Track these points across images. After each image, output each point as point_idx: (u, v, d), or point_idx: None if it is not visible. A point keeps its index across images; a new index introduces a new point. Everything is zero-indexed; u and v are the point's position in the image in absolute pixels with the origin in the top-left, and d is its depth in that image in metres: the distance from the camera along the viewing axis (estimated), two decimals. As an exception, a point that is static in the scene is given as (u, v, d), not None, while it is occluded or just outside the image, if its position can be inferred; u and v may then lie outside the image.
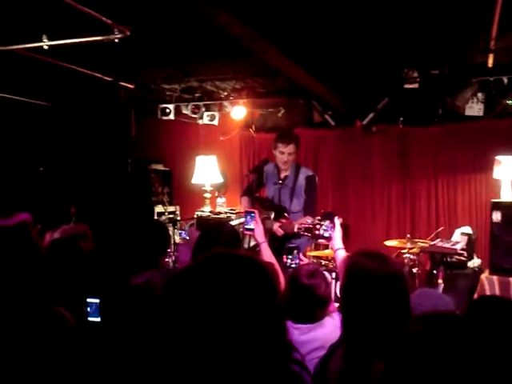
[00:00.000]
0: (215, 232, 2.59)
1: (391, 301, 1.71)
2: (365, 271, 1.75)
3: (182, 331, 0.84)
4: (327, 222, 2.94)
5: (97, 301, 1.87)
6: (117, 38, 3.52)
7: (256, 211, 3.25)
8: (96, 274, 2.21)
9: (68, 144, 6.59)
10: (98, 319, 1.86)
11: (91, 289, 2.00)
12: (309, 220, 3.67)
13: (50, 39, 3.72)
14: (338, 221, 2.96)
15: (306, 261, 3.15)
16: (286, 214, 4.03)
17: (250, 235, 3.08)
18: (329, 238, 2.94)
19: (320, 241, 3.37)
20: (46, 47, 3.74)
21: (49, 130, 6.45)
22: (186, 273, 0.91)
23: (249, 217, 3.09)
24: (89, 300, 1.89)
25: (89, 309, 1.89)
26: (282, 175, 4.45)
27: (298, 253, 3.03)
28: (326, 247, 5.16)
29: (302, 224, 3.60)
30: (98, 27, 3.51)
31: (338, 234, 2.90)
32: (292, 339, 2.14)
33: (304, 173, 4.41)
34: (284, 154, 4.37)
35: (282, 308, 0.91)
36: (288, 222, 3.84)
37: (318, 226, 2.97)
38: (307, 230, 3.34)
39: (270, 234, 4.19)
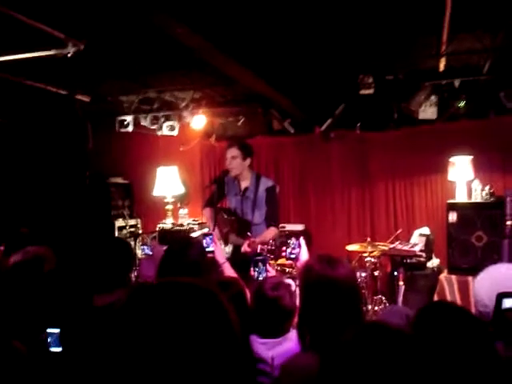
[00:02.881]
0: (182, 249, 2.56)
1: (342, 304, 1.78)
2: (316, 276, 1.81)
3: (134, 361, 0.83)
4: (293, 240, 2.97)
5: (57, 331, 1.81)
6: (71, 52, 3.46)
7: (214, 233, 3.26)
8: (55, 298, 2.14)
9: (22, 160, 6.42)
10: (60, 349, 1.80)
11: (51, 316, 1.94)
12: (271, 241, 3.70)
13: (0, 54, 3.63)
14: (303, 241, 3.00)
15: (272, 272, 3.16)
16: (249, 234, 4.03)
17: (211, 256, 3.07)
18: (295, 259, 2.97)
19: (287, 262, 3.40)
20: (-4, 63, 3.65)
21: (1, 145, 6.27)
22: (129, 307, 0.89)
23: (208, 239, 3.10)
24: (49, 330, 1.83)
25: (49, 339, 1.83)
26: (243, 186, 4.44)
27: (265, 265, 3.03)
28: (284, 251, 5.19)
29: (265, 245, 3.63)
30: (51, 41, 3.45)
31: (304, 254, 2.94)
32: (259, 354, 2.17)
33: (264, 184, 4.39)
34: (228, 158, 4.36)
35: (234, 331, 0.89)
36: (251, 242, 3.84)
37: (284, 248, 3.01)
38: (270, 251, 3.39)
39: (234, 248, 4.20)
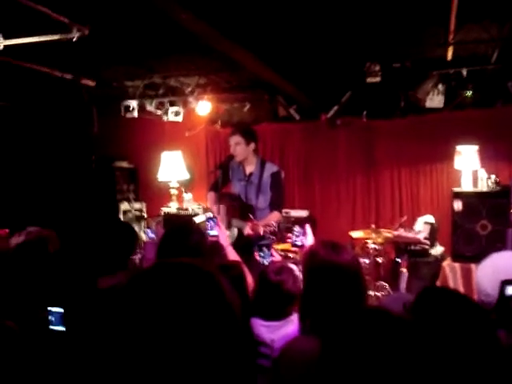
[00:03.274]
0: (181, 233, 2.57)
1: (345, 289, 1.80)
2: (321, 260, 1.83)
3: (135, 342, 0.83)
4: (297, 228, 2.97)
5: (60, 310, 1.83)
6: (75, 36, 3.46)
7: (218, 216, 3.26)
8: (59, 279, 2.16)
9: (29, 144, 6.44)
10: (62, 328, 1.83)
11: (54, 296, 1.96)
12: (274, 223, 3.71)
13: (5, 38, 3.63)
14: (309, 228, 3.00)
15: (277, 257, 3.18)
16: (251, 216, 4.03)
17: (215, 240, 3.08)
18: (301, 247, 2.97)
19: (293, 248, 3.42)
20: (1, 47, 3.64)
21: (7, 130, 6.29)
22: (131, 287, 0.90)
23: (211, 222, 3.10)
24: (51, 309, 1.84)
25: (52, 318, 1.84)
26: (247, 171, 4.44)
27: (269, 249, 3.04)
28: (289, 238, 5.20)
29: (267, 226, 3.64)
30: (56, 26, 3.44)
31: (309, 241, 2.94)
32: (262, 337, 2.20)
33: (269, 169, 4.39)
34: (231, 145, 4.37)
35: (234, 313, 0.90)
36: (254, 225, 3.85)
37: (289, 235, 3.02)
38: (272, 233, 3.40)
39: (238, 233, 4.21)
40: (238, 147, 4.34)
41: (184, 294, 0.87)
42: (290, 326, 2.21)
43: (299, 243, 2.95)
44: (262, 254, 2.96)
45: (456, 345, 1.37)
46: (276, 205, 4.30)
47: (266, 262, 2.96)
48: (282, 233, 3.57)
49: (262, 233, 3.72)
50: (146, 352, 0.82)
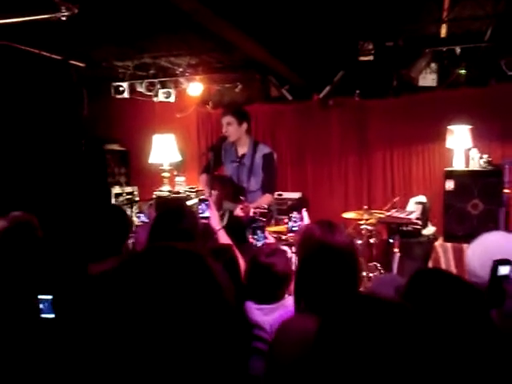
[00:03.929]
0: (173, 216, 2.55)
1: (341, 270, 1.80)
2: (316, 240, 1.83)
3: (126, 327, 0.83)
4: (295, 214, 2.96)
5: (49, 297, 1.81)
6: (64, 15, 3.39)
7: (210, 199, 3.24)
8: (48, 266, 2.14)
9: (17, 126, 6.35)
10: (52, 316, 1.81)
11: (43, 283, 1.94)
12: (265, 205, 3.70)
13: (-8, 18, 3.56)
14: (305, 213, 2.98)
15: (271, 239, 3.17)
16: (242, 198, 4.01)
17: (206, 223, 3.06)
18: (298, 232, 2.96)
19: (289, 234, 3.40)
20: (-12, 26, 3.57)
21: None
22: (124, 270, 0.89)
23: (204, 205, 3.09)
24: (40, 297, 1.83)
25: (41, 305, 1.83)
26: (240, 153, 4.41)
27: (263, 232, 3.03)
28: (282, 222, 5.21)
29: (258, 208, 3.63)
30: (44, 5, 3.37)
31: None
32: (255, 320, 2.20)
33: (261, 151, 4.36)
34: (223, 125, 4.34)
35: (226, 296, 0.89)
36: (245, 206, 3.84)
37: (286, 220, 3.00)
38: (262, 214, 3.38)
39: (229, 216, 4.20)
40: (230, 127, 4.31)
41: (175, 278, 0.86)
42: (285, 308, 2.21)
43: (296, 229, 2.94)
44: (255, 236, 2.95)
45: (450, 326, 1.37)
46: (267, 187, 4.28)
47: (259, 245, 2.95)
48: (272, 215, 3.56)
49: (251, 214, 3.70)
50: (137, 337, 0.82)
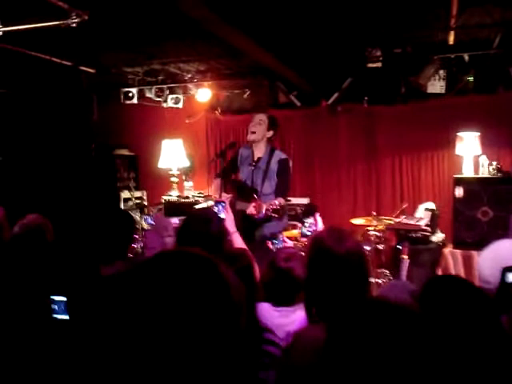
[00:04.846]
0: (205, 220, 2.59)
1: (350, 278, 1.79)
2: (325, 248, 1.83)
3: (137, 330, 0.84)
4: (310, 220, 2.97)
5: (63, 299, 1.83)
6: (74, 22, 3.42)
7: (226, 201, 3.25)
8: (61, 268, 2.16)
9: (28, 132, 6.41)
10: (66, 317, 1.83)
11: (56, 284, 1.96)
12: (277, 201, 3.70)
13: (4, 25, 3.59)
14: (319, 218, 2.99)
15: (290, 243, 3.18)
16: (255, 196, 4.03)
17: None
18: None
19: (303, 239, 3.41)
20: (0, 33, 3.61)
21: (7, 117, 6.25)
22: (135, 275, 0.90)
23: (220, 206, 3.10)
24: (54, 298, 1.84)
25: (55, 307, 1.84)
26: (256, 157, 4.42)
27: (281, 237, 3.04)
28: (294, 227, 5.21)
29: (270, 205, 3.63)
30: (55, 11, 3.41)
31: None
32: (273, 322, 2.22)
33: (277, 156, 4.36)
34: (253, 121, 4.33)
35: (235, 300, 0.90)
36: (258, 204, 3.86)
37: (299, 225, 3.01)
38: (275, 211, 3.38)
39: (242, 215, 4.21)
40: (260, 127, 4.31)
41: (186, 282, 0.87)
42: (301, 311, 2.24)
43: (309, 233, 2.94)
44: (275, 241, 2.96)
45: (463, 332, 1.37)
46: (281, 191, 4.29)
47: (277, 248, 2.97)
48: (285, 211, 3.54)
49: (264, 211, 3.72)
50: (146, 338, 0.83)
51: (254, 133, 4.31)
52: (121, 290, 0.89)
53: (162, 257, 0.94)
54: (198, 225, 2.56)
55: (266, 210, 3.68)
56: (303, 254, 2.52)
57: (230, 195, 4.18)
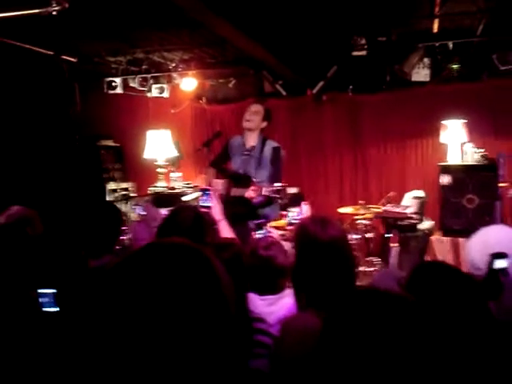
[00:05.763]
0: (183, 213, 2.58)
1: (334, 264, 1.82)
2: (310, 235, 1.84)
3: (126, 323, 0.83)
4: (294, 208, 2.97)
5: (51, 291, 1.81)
6: (55, 10, 3.35)
7: (211, 189, 3.24)
8: (48, 260, 2.13)
9: (10, 123, 6.30)
10: (56, 309, 1.81)
11: (44, 277, 1.94)
12: (276, 184, 3.73)
13: (-18, 13, 3.51)
14: (305, 206, 2.99)
15: (275, 234, 3.18)
16: (253, 179, 4.06)
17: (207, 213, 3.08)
18: None
19: (289, 228, 3.42)
20: (-22, 21, 3.53)
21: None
22: (124, 266, 0.89)
23: (204, 195, 3.08)
24: (43, 291, 1.82)
25: (44, 299, 1.82)
26: (249, 146, 4.44)
27: (265, 227, 3.04)
28: (283, 216, 5.20)
29: (271, 187, 3.67)
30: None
31: None
32: (262, 310, 2.22)
33: (270, 144, 4.44)
34: (248, 111, 4.38)
35: (225, 294, 0.89)
36: (257, 187, 3.88)
37: (285, 213, 3.02)
38: (276, 192, 3.42)
39: (237, 200, 4.23)
40: (256, 117, 4.36)
41: (174, 272, 0.86)
42: (286, 298, 2.27)
43: (296, 221, 2.95)
44: (260, 232, 2.96)
45: (451, 317, 1.38)
46: (275, 179, 4.31)
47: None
48: (286, 192, 3.58)
49: (264, 193, 3.73)
50: (136, 330, 0.82)
51: (249, 121, 4.37)
52: (109, 281, 0.88)
53: (151, 247, 0.93)
54: (174, 218, 2.57)
55: (267, 191, 3.72)
56: (285, 242, 2.54)
57: (223, 180, 4.21)
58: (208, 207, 3.04)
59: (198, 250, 0.92)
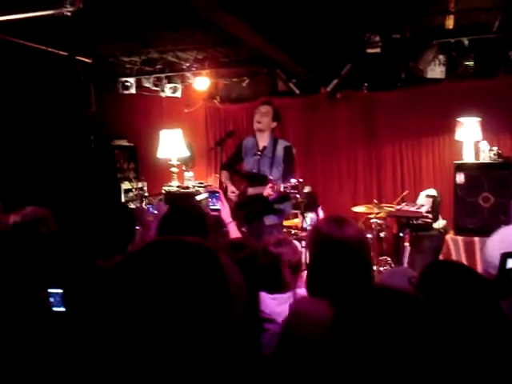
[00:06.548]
0: (184, 209, 2.58)
1: (351, 262, 1.78)
2: (325, 234, 1.82)
3: (132, 320, 0.83)
4: (311, 214, 2.98)
5: (59, 291, 1.83)
6: (69, 11, 3.38)
7: (221, 191, 3.26)
8: (58, 260, 2.15)
9: (26, 124, 6.37)
10: (63, 309, 1.82)
11: (53, 277, 1.95)
12: (293, 180, 3.78)
13: (-1, 15, 3.56)
14: (321, 211, 2.99)
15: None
16: (270, 177, 4.10)
17: (216, 215, 3.08)
18: None
19: (303, 234, 3.46)
20: (-6, 23, 3.58)
21: (3, 109, 6.21)
22: (128, 264, 0.88)
23: (213, 197, 3.09)
24: (51, 290, 1.84)
25: (52, 299, 1.84)
26: (261, 146, 4.51)
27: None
28: (296, 216, 5.20)
29: (288, 183, 3.71)
30: (49, 0, 3.37)
31: None
32: (273, 310, 2.21)
33: (282, 144, 4.51)
34: (258, 112, 4.46)
35: (233, 296, 0.88)
36: (274, 184, 3.93)
37: (301, 219, 3.04)
38: (293, 187, 3.46)
39: (254, 199, 4.28)
40: (266, 118, 4.45)
41: (184, 271, 0.85)
42: (296, 297, 2.24)
43: (309, 227, 2.96)
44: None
45: (463, 316, 1.37)
46: (288, 178, 4.35)
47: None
48: (303, 187, 3.67)
49: (282, 189, 3.79)
50: (143, 329, 0.82)
51: (259, 122, 4.45)
52: (116, 278, 0.87)
53: (159, 245, 0.92)
54: (177, 214, 2.56)
55: (285, 187, 3.78)
56: (296, 242, 2.54)
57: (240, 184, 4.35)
58: (217, 210, 3.06)
59: (210, 249, 0.91)
